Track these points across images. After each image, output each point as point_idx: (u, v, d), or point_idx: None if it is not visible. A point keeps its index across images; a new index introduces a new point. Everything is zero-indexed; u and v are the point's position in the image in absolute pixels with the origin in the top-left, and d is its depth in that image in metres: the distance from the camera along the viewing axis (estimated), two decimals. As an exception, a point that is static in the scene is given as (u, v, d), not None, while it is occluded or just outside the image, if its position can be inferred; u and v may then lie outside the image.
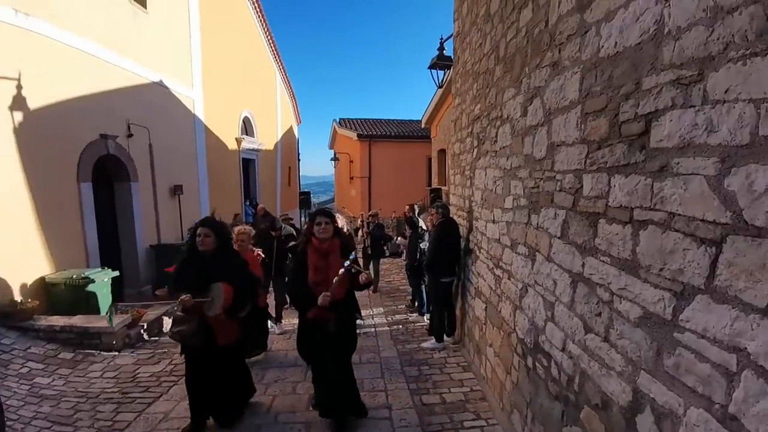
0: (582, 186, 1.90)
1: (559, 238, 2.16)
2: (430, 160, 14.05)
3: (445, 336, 4.70)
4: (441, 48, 7.13)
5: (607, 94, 1.68)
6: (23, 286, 5.08)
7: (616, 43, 1.59)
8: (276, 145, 16.06)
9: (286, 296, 5.63)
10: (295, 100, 18.75)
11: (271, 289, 5.37)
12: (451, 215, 4.85)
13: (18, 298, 4.93)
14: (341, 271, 2.79)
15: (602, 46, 1.71)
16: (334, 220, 3.02)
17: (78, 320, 4.87)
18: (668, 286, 1.28)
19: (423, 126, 12.87)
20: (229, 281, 2.89)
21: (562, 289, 2.11)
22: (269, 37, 14.65)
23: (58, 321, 4.84)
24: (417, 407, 3.33)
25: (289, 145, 18.03)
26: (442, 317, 4.70)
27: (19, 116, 5.09)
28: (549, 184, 2.29)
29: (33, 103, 5.26)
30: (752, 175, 1.01)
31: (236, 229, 4.11)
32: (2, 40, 4.90)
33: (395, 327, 5.54)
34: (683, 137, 1.20)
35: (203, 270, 2.90)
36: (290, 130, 18.40)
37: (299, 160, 19.53)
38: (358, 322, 3.23)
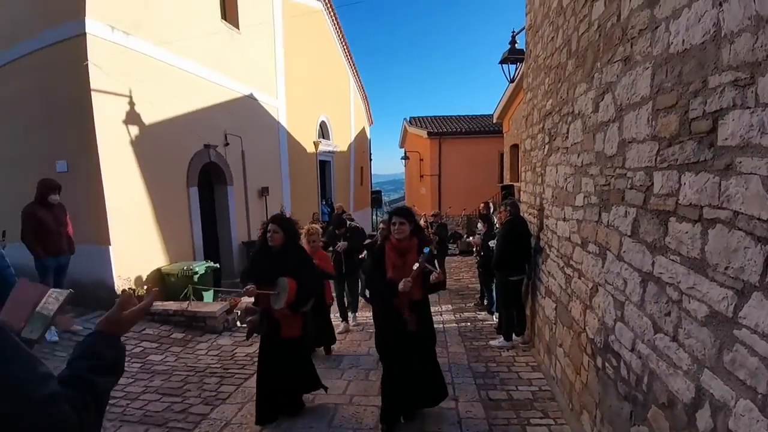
0: (652, 183, 1.88)
1: (629, 236, 2.13)
2: (502, 155, 13.66)
3: (514, 335, 4.67)
4: (513, 41, 6.99)
5: (677, 91, 1.65)
6: (138, 278, 5.95)
7: (683, 40, 1.57)
8: (349, 146, 16.78)
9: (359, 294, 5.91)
10: (367, 102, 19.41)
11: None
12: (521, 213, 4.79)
13: (133, 287, 5.71)
14: (414, 266, 2.75)
15: (671, 43, 1.68)
16: (410, 220, 2.97)
17: (188, 305, 5.69)
18: (731, 285, 1.27)
19: (495, 121, 12.55)
20: (294, 276, 2.96)
21: (632, 288, 2.08)
22: (344, 43, 15.34)
23: (171, 305, 5.66)
24: (483, 401, 3.41)
25: (361, 145, 18.72)
26: (510, 316, 4.67)
27: (137, 130, 5.98)
28: (620, 182, 2.26)
29: (150, 119, 6.19)
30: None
31: (306, 228, 4.21)
32: (108, 58, 5.35)
33: (463, 324, 5.60)
34: (743, 137, 1.19)
35: (272, 264, 3.02)
36: (362, 131, 19.09)
37: (371, 160, 20.15)
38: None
